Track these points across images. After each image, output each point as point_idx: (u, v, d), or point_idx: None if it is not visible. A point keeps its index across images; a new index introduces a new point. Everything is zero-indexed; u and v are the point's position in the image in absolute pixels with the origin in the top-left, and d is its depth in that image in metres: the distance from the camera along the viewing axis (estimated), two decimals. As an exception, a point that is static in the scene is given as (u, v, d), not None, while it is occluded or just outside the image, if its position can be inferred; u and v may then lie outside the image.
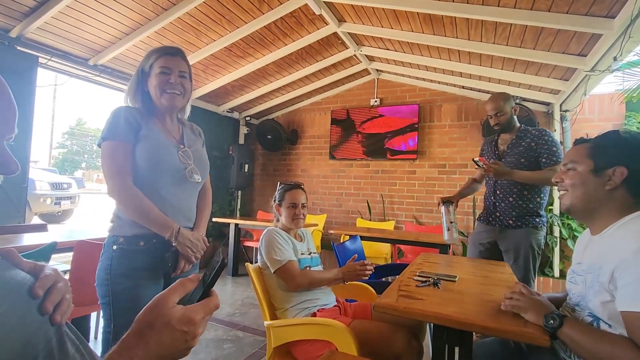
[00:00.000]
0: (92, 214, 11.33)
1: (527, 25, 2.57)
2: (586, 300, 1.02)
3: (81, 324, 2.26)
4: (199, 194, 1.41)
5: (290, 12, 3.04)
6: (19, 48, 2.88)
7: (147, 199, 1.19)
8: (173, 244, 1.22)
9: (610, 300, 0.93)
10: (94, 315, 2.44)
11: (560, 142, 3.76)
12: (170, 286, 0.53)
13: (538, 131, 2.12)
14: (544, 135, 2.08)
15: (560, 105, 3.67)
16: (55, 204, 7.52)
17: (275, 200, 1.85)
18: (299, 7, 2.99)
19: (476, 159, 2.13)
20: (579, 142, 1.18)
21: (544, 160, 2.04)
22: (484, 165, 2.07)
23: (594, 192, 1.06)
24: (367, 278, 1.76)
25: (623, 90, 2.91)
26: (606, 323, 0.95)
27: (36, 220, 7.31)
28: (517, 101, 3.83)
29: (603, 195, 1.05)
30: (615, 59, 2.42)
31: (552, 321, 0.95)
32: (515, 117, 2.21)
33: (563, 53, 2.83)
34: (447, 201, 2.16)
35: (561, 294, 1.31)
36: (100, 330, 2.53)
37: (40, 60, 3.05)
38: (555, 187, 1.76)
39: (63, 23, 2.79)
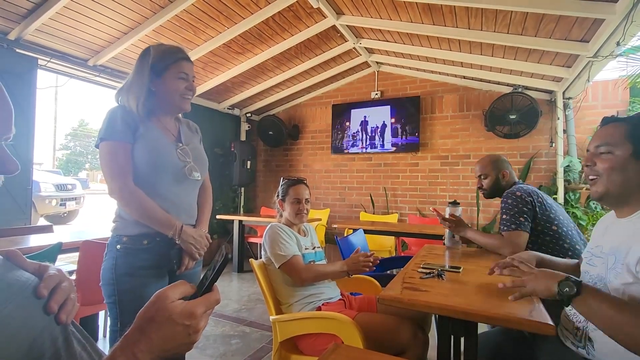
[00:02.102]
0: (97, 214, 11.41)
1: (527, 12, 2.53)
2: (605, 282, 1.00)
3: (89, 323, 2.29)
4: (199, 191, 1.42)
5: (287, 6, 3.02)
6: (17, 50, 2.88)
7: (149, 198, 1.19)
8: (177, 242, 1.23)
9: (633, 282, 0.90)
10: (102, 313, 2.47)
11: (564, 130, 3.73)
12: (172, 284, 0.54)
13: (503, 196, 1.86)
14: (504, 203, 1.81)
15: (563, 93, 3.63)
16: (61, 205, 7.58)
17: (278, 196, 1.85)
18: (297, 1, 2.96)
19: (432, 209, 2.13)
20: (609, 120, 1.08)
21: (501, 227, 1.81)
22: (440, 219, 1.96)
23: (633, 178, 0.99)
24: (372, 270, 1.77)
25: (627, 75, 2.88)
26: None
27: (42, 221, 7.38)
28: (519, 90, 3.80)
29: (639, 181, 0.99)
30: (618, 44, 2.39)
31: (567, 289, 0.89)
32: (502, 182, 1.96)
33: (565, 39, 2.79)
34: (453, 202, 2.03)
35: (560, 260, 1.34)
36: (109, 328, 2.56)
37: (40, 62, 3.06)
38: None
39: (61, 24, 2.79)
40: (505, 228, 1.74)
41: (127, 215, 1.22)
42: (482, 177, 2.01)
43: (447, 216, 2.00)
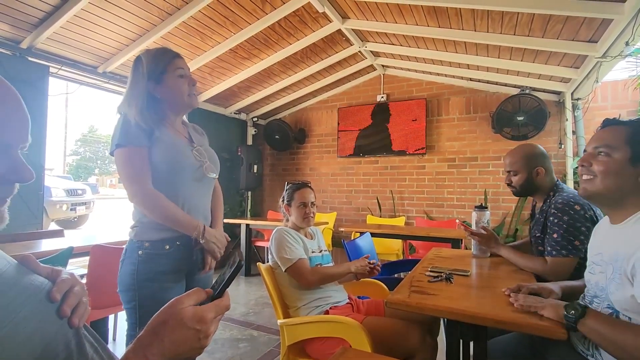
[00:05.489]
0: (106, 219, 11.54)
1: (534, 14, 2.51)
2: (607, 293, 0.98)
3: (99, 327, 2.31)
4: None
5: (293, 12, 3.04)
6: (30, 59, 2.95)
7: (169, 201, 1.20)
8: (200, 242, 1.23)
9: (635, 294, 0.88)
10: (111, 317, 2.49)
11: (573, 131, 3.68)
12: (187, 292, 0.56)
13: (557, 208, 1.47)
14: (557, 218, 1.45)
15: (572, 94, 3.59)
16: (71, 210, 7.69)
17: (284, 201, 1.85)
18: (302, 6, 2.98)
19: (458, 221, 1.89)
20: (610, 123, 1.07)
21: (547, 248, 1.47)
22: (468, 233, 1.78)
23: (626, 183, 0.98)
24: (376, 274, 1.77)
25: (637, 76, 2.84)
26: (625, 316, 0.92)
27: (53, 226, 7.49)
28: (527, 91, 3.77)
29: (633, 186, 0.98)
30: (627, 44, 2.36)
31: (573, 311, 0.91)
32: (536, 181, 1.65)
33: (573, 40, 2.76)
34: (480, 206, 1.83)
35: (578, 282, 1.26)
36: (119, 332, 2.58)
37: (51, 69, 3.12)
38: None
39: (71, 32, 2.84)
40: (554, 252, 1.42)
41: (147, 220, 1.22)
42: (511, 172, 1.71)
43: (473, 221, 1.82)
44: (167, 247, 1.22)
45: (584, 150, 1.12)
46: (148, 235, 1.22)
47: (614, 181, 1.00)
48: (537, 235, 1.60)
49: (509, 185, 1.75)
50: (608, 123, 1.07)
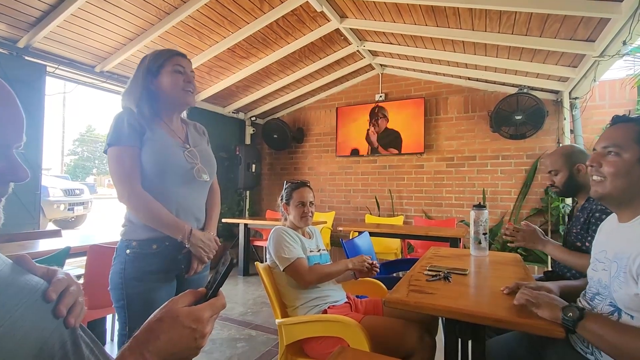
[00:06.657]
0: (104, 219, 11.51)
1: (532, 13, 2.52)
2: (610, 290, 0.98)
3: (97, 327, 2.30)
4: (208, 193, 1.42)
5: (291, 11, 3.04)
6: (26, 58, 2.94)
7: (157, 202, 1.20)
8: (186, 245, 1.23)
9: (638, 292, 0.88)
10: (109, 317, 2.48)
11: (571, 130, 3.69)
12: (183, 292, 0.56)
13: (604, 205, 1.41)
14: (606, 215, 1.38)
15: (570, 93, 3.60)
16: (69, 209, 7.67)
17: (282, 200, 1.85)
18: (300, 5, 2.98)
19: (510, 223, 1.87)
20: (620, 120, 1.04)
21: (587, 244, 1.47)
22: (506, 232, 1.72)
23: (636, 183, 0.97)
24: (375, 274, 1.77)
25: (634, 75, 2.85)
26: (628, 314, 0.92)
27: (51, 226, 7.46)
28: (525, 90, 3.77)
29: None
30: (624, 43, 2.37)
31: (571, 314, 0.90)
32: (578, 178, 1.65)
33: (570, 39, 2.77)
34: (478, 205, 1.82)
35: (577, 282, 1.26)
36: (116, 332, 2.58)
37: (48, 69, 3.11)
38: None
39: (69, 32, 2.83)
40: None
41: (136, 219, 1.22)
42: (552, 172, 1.71)
43: (471, 225, 1.79)
44: (155, 246, 1.22)
45: (593, 149, 1.10)
46: (136, 235, 1.22)
47: (624, 181, 0.99)
48: (577, 230, 1.57)
49: (551, 186, 1.73)
50: (617, 120, 1.05)
